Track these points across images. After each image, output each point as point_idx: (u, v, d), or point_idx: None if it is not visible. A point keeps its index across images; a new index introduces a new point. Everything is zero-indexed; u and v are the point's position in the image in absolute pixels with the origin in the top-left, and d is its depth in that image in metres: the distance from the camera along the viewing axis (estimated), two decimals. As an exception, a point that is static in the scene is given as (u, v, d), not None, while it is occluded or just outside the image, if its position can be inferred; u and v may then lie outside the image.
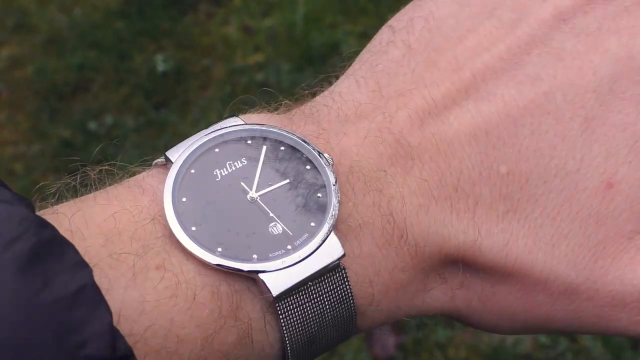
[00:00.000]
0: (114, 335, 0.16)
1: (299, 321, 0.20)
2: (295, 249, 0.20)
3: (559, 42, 0.22)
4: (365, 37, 1.34)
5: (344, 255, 0.20)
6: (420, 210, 0.21)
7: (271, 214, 0.21)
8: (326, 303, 0.20)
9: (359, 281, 0.21)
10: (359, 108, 0.22)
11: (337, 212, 0.20)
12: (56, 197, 0.21)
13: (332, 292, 0.20)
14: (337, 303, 0.20)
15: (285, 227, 0.21)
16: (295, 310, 0.20)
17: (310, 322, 0.20)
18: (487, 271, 0.22)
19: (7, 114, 1.36)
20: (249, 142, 0.22)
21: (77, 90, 1.39)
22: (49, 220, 0.18)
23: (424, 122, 0.22)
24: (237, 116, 0.23)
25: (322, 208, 0.21)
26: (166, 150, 0.22)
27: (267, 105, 0.24)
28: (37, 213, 0.19)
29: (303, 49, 1.36)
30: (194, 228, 0.20)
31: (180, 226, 0.20)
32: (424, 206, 0.21)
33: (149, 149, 1.32)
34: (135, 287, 0.18)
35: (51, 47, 1.45)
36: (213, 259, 0.19)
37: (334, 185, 0.21)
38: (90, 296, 0.16)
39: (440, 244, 0.21)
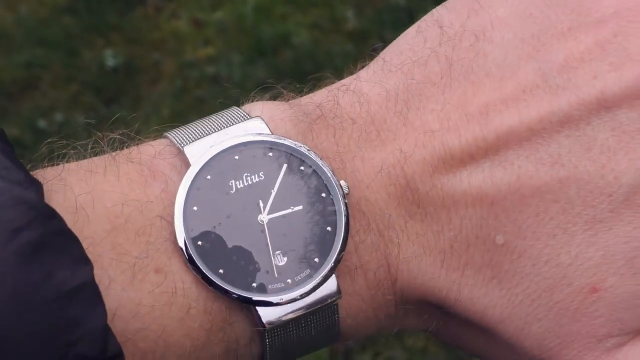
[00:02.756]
0: (107, 336, 0.16)
1: (282, 345, 0.21)
2: (295, 284, 0.20)
3: (593, 130, 0.21)
4: (316, 28, 1.36)
5: (340, 297, 0.21)
6: (412, 260, 0.21)
7: (278, 244, 0.21)
8: (312, 331, 0.21)
9: (344, 315, 0.21)
10: (382, 132, 0.22)
11: (342, 254, 0.21)
12: (66, 159, 0.21)
13: (320, 323, 0.21)
14: (323, 332, 0.21)
15: (289, 260, 0.21)
16: (282, 336, 0.20)
17: (293, 344, 0.21)
18: (462, 321, 0.22)
19: (-46, 114, 1.36)
20: (270, 154, 0.21)
21: (26, 88, 1.36)
22: (56, 189, 0.18)
23: (436, 170, 0.21)
24: (259, 117, 0.22)
25: (329, 244, 0.21)
26: (173, 129, 0.22)
27: (286, 93, 0.24)
28: (44, 172, 0.19)
29: (254, 41, 1.35)
30: (199, 243, 0.20)
31: (186, 237, 0.20)
32: (417, 256, 0.21)
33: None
34: (132, 289, 0.18)
35: None
36: (214, 279, 0.20)
37: (346, 223, 0.21)
38: (88, 295, 0.16)
39: (424, 293, 0.22)
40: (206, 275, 0.19)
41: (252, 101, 0.23)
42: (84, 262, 0.17)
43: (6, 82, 1.35)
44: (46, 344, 0.16)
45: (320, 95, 0.23)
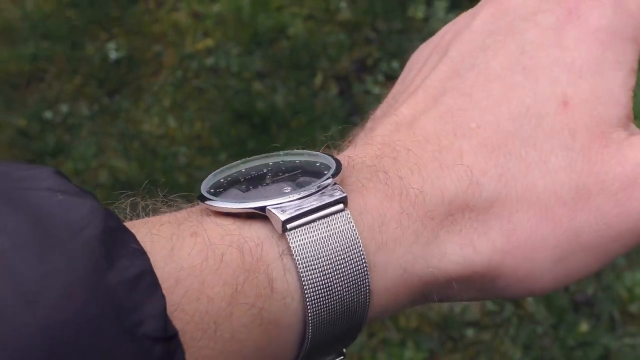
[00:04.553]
0: (166, 318, 0.17)
1: (310, 259, 0.20)
2: (301, 192, 0.21)
3: (481, 41, 0.24)
4: (311, 19, 1.36)
5: (345, 196, 0.21)
6: (412, 172, 0.22)
7: (283, 183, 0.22)
8: (334, 242, 0.20)
9: (368, 228, 0.21)
10: (350, 145, 0.25)
11: (336, 166, 0.22)
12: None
13: (338, 231, 0.21)
14: (345, 242, 0.21)
15: (292, 187, 0.22)
16: (306, 247, 0.20)
17: (321, 261, 0.20)
18: (497, 207, 0.22)
19: (-38, 106, 1.34)
20: (270, 162, 0.24)
21: (32, 80, 1.36)
22: None
23: (400, 128, 0.23)
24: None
25: (326, 173, 0.22)
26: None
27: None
28: None
29: (251, 32, 1.35)
30: (220, 190, 0.22)
31: (210, 194, 0.21)
32: (415, 168, 0.22)
33: (104, 135, 1.31)
34: (172, 259, 0.19)
35: (3, 38, 1.41)
36: (234, 205, 0.20)
37: (336, 160, 0.22)
38: (147, 282, 0.17)
39: (440, 194, 0.22)
40: (227, 204, 0.21)
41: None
42: (141, 253, 0.18)
43: (12, 74, 1.36)
44: (116, 323, 0.16)
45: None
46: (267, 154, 0.24)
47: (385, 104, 0.27)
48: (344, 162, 0.22)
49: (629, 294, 1.02)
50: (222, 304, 0.19)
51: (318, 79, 1.28)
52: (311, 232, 0.20)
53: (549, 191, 0.22)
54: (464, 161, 0.22)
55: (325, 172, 0.22)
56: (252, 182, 0.22)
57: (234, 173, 0.23)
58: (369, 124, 0.26)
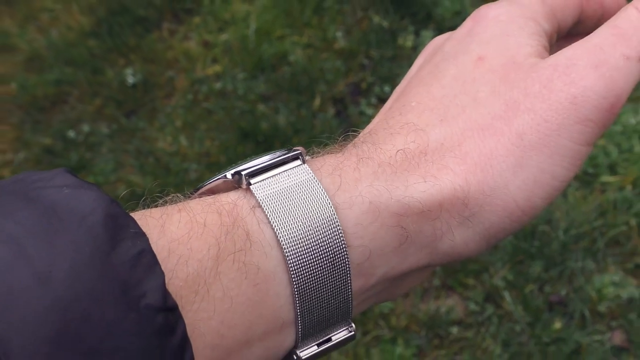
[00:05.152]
0: (165, 290, 0.18)
1: (279, 210, 0.20)
2: (260, 157, 0.22)
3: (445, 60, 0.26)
4: (310, 47, 1.37)
5: (300, 152, 0.22)
6: (366, 140, 0.23)
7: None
8: (298, 190, 0.21)
9: (324, 175, 0.22)
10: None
11: (301, 149, 0.22)
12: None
13: (301, 182, 0.21)
14: (308, 191, 0.21)
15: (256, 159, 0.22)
16: (272, 197, 0.21)
17: (290, 211, 0.20)
18: (446, 146, 0.22)
19: (-6, 126, 1.36)
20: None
21: (56, 102, 1.38)
22: None
23: (357, 144, 0.23)
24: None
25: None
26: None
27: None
28: None
29: (255, 59, 1.35)
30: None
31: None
32: (368, 138, 0.23)
33: (122, 152, 1.29)
34: (164, 233, 0.19)
35: (31, 65, 1.44)
36: (208, 182, 0.21)
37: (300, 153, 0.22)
38: (147, 259, 0.18)
39: (391, 147, 0.22)
40: (204, 184, 0.22)
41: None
42: (141, 234, 0.18)
43: (39, 98, 1.38)
44: (121, 296, 0.17)
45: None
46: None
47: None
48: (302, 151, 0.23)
49: (598, 295, 1.04)
50: (209, 264, 0.19)
51: (317, 101, 1.28)
52: (274, 184, 0.21)
53: (483, 115, 0.22)
54: (408, 121, 0.23)
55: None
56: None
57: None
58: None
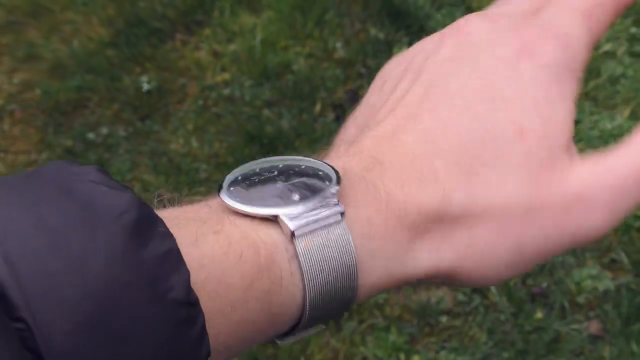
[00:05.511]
0: (189, 287, 0.18)
1: (313, 264, 0.21)
2: (308, 202, 0.21)
3: (448, 69, 0.24)
4: (312, 57, 1.39)
5: (343, 212, 0.21)
6: (396, 187, 0.22)
7: (293, 191, 0.22)
8: (333, 250, 0.21)
9: (360, 236, 0.21)
10: (339, 153, 0.24)
11: (337, 180, 0.21)
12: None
13: (338, 240, 0.21)
14: (342, 250, 0.21)
15: (301, 196, 0.22)
16: (310, 253, 0.21)
17: (322, 266, 0.21)
18: (462, 220, 0.22)
19: (20, 129, 1.38)
20: (280, 165, 0.24)
21: (77, 107, 1.40)
22: None
23: (382, 142, 0.23)
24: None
25: (328, 186, 0.22)
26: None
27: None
28: None
29: (261, 68, 1.37)
30: (238, 199, 0.21)
31: (230, 197, 0.21)
32: (398, 184, 0.22)
33: (137, 153, 1.31)
34: (197, 247, 0.20)
35: (55, 73, 1.46)
36: (251, 209, 0.21)
37: (337, 174, 0.22)
38: (174, 257, 0.18)
39: (417, 206, 0.22)
40: (245, 207, 0.21)
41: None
42: (168, 235, 0.18)
43: (61, 103, 1.40)
44: (148, 289, 0.17)
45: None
46: (279, 157, 0.24)
47: (361, 113, 0.26)
48: (340, 172, 0.22)
49: (577, 287, 1.05)
50: (239, 292, 0.20)
51: (317, 107, 1.29)
52: (314, 239, 0.21)
53: (504, 210, 0.22)
54: (438, 179, 0.22)
55: (327, 181, 0.22)
56: (266, 182, 0.22)
57: (250, 172, 0.23)
58: (348, 132, 0.26)
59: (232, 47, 1.44)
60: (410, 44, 1.37)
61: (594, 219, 0.22)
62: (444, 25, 0.27)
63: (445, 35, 0.25)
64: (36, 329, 0.16)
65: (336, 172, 0.22)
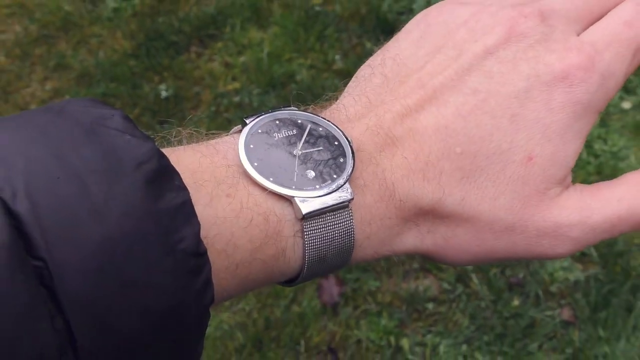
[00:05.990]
0: (199, 238, 0.18)
1: (316, 242, 0.21)
2: (321, 188, 0.21)
3: (489, 67, 0.23)
4: (313, 68, 1.41)
5: (352, 199, 0.21)
6: (403, 178, 0.22)
7: (308, 165, 0.22)
8: (336, 232, 0.21)
9: (360, 221, 0.22)
10: (359, 113, 0.24)
11: (351, 170, 0.22)
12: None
13: (341, 225, 0.21)
14: (344, 234, 0.21)
15: (316, 174, 0.22)
16: (315, 233, 0.21)
17: (323, 244, 0.21)
18: (449, 219, 0.23)
19: (51, 132, 1.42)
20: (299, 121, 0.23)
21: None
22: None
23: (403, 121, 0.23)
24: (292, 106, 0.24)
25: (342, 167, 0.22)
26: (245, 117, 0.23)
27: (303, 105, 0.25)
28: None
29: (268, 78, 1.39)
30: (256, 163, 0.21)
31: (248, 159, 0.21)
32: (405, 175, 0.22)
33: None
34: (211, 207, 0.19)
35: (82, 81, 1.48)
36: (267, 184, 0.21)
37: (352, 156, 0.22)
38: (187, 210, 0.18)
39: (416, 201, 0.22)
40: (262, 180, 0.21)
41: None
42: (183, 188, 0.18)
43: None
44: (161, 239, 0.17)
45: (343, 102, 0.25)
46: (300, 113, 0.23)
47: (391, 67, 0.25)
48: (354, 146, 0.22)
49: (550, 278, 1.08)
50: (246, 254, 0.20)
51: None
52: (321, 220, 0.21)
53: (488, 222, 0.23)
54: (440, 181, 0.22)
55: (342, 158, 0.22)
56: (283, 146, 0.22)
57: (269, 125, 0.23)
58: (374, 80, 0.25)
59: (242, 59, 1.46)
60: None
61: (560, 249, 0.23)
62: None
63: (498, 22, 0.24)
64: (53, 267, 0.16)
65: (351, 148, 0.22)
